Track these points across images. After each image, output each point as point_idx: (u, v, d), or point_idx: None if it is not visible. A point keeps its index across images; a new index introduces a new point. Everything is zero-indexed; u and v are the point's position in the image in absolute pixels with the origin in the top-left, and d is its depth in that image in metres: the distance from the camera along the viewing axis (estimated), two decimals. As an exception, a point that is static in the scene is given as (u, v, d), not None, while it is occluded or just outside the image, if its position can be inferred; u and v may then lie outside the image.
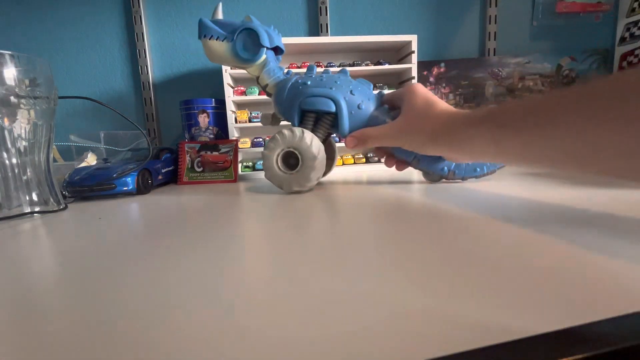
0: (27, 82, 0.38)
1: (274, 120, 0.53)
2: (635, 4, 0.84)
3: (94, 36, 0.81)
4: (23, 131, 0.38)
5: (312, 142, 0.43)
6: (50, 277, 0.21)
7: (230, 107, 0.69)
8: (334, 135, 0.56)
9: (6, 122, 0.37)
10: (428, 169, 0.45)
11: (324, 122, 0.46)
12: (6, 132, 0.37)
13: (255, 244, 0.25)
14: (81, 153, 0.65)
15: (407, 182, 0.51)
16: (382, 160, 0.48)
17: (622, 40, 0.87)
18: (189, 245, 0.25)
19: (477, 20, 0.87)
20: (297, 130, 0.43)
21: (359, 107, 0.44)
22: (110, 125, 0.82)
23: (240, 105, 0.75)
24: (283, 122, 0.58)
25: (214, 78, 0.83)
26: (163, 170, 0.61)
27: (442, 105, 0.37)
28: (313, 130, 0.46)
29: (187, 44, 0.82)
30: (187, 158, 0.65)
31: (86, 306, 0.17)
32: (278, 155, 0.44)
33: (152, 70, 0.82)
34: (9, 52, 0.37)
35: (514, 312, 0.14)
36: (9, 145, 0.38)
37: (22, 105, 0.38)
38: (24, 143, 0.39)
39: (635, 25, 0.84)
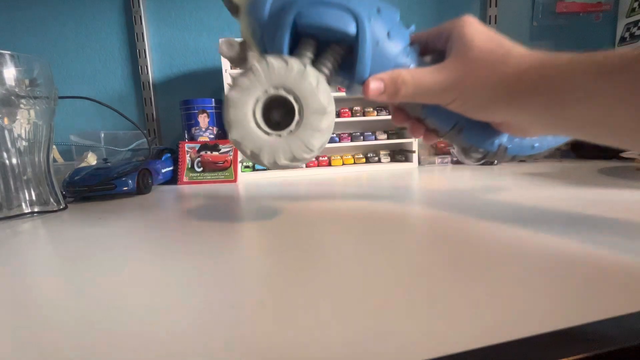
0: (27, 82, 0.38)
1: (241, 51, 0.32)
2: (635, 4, 0.84)
3: (94, 36, 0.80)
4: (23, 131, 0.38)
5: (318, 82, 0.25)
6: (51, 277, 0.21)
7: (230, 107, 0.69)
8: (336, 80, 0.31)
9: (6, 122, 0.37)
10: (471, 143, 0.30)
11: (330, 57, 0.27)
12: (6, 132, 0.37)
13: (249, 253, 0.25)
14: (81, 153, 0.65)
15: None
16: (407, 127, 0.32)
17: (622, 40, 0.87)
18: (188, 246, 0.25)
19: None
20: (294, 61, 0.25)
21: (388, 36, 0.26)
22: (110, 125, 0.82)
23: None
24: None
25: (214, 78, 0.83)
26: (163, 170, 0.61)
27: (518, 47, 0.25)
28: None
29: (187, 44, 0.82)
30: (187, 158, 0.65)
31: (86, 306, 0.17)
32: (257, 103, 0.26)
33: (152, 70, 0.82)
34: (9, 52, 0.37)
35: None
36: (9, 145, 0.38)
37: (22, 105, 0.38)
38: (24, 143, 0.39)
39: (635, 25, 0.84)
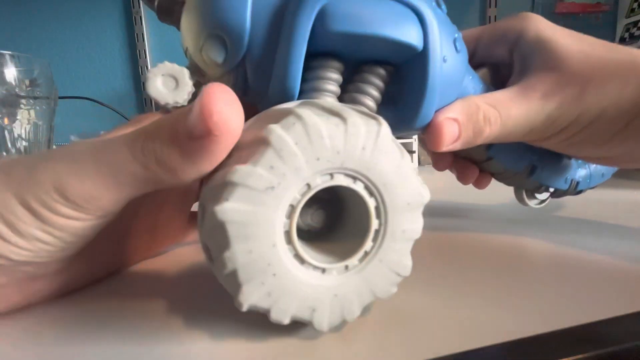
0: (27, 82, 0.38)
1: (195, 83, 0.15)
2: (635, 5, 0.84)
3: (95, 37, 0.80)
4: (23, 131, 0.38)
5: (400, 149, 0.12)
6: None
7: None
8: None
9: (6, 122, 0.37)
10: (543, 183, 0.24)
11: (373, 82, 0.16)
12: (6, 132, 0.37)
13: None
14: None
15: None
16: (455, 172, 0.24)
17: (622, 40, 0.87)
18: (187, 246, 0.25)
19: (477, 20, 0.87)
20: (355, 113, 0.12)
21: (455, 47, 0.17)
22: (110, 125, 0.82)
23: (240, 105, 0.75)
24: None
25: (214, 78, 0.83)
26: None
27: (632, 49, 0.18)
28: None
29: (187, 44, 0.82)
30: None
31: (86, 306, 0.17)
32: (291, 215, 0.12)
33: (152, 71, 0.82)
34: (9, 52, 0.37)
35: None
36: (9, 145, 0.38)
37: (22, 106, 0.38)
38: (24, 143, 0.39)
39: (634, 25, 0.84)
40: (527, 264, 0.19)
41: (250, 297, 0.11)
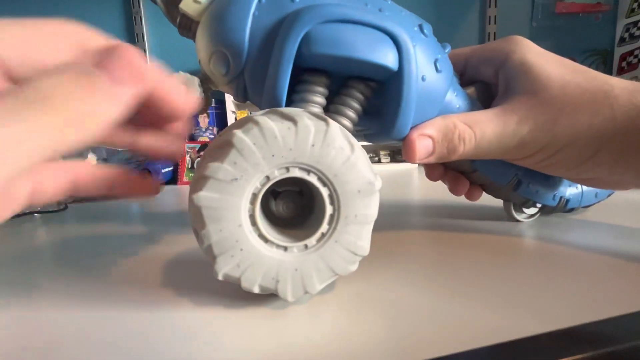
0: (27, 82, 0.38)
1: (205, 89, 0.22)
2: (635, 5, 0.84)
3: (94, 36, 0.81)
4: (23, 131, 0.38)
5: (353, 146, 0.15)
6: (50, 277, 0.21)
7: (230, 107, 0.69)
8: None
9: (6, 122, 0.37)
10: (529, 197, 0.25)
11: (353, 96, 0.18)
12: (6, 132, 0.37)
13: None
14: (81, 153, 0.65)
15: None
16: (446, 184, 0.26)
17: (622, 40, 0.87)
18: (186, 246, 0.25)
19: (477, 20, 0.87)
20: (305, 117, 0.14)
21: (436, 67, 0.19)
22: (110, 125, 0.82)
23: (240, 105, 0.75)
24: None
25: (214, 78, 0.83)
26: (163, 171, 0.61)
27: (614, 79, 0.19)
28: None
29: (187, 44, 0.82)
30: (187, 158, 0.65)
31: (84, 307, 0.17)
32: (254, 201, 0.15)
33: (152, 71, 0.82)
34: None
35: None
36: (9, 146, 0.38)
37: (22, 106, 0.38)
38: (24, 143, 0.39)
39: (634, 25, 0.84)
40: (527, 264, 0.19)
41: (223, 267, 0.14)
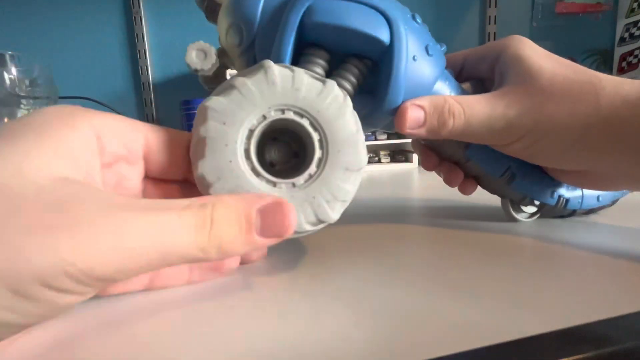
0: (27, 82, 0.38)
1: (219, 63, 0.23)
2: (635, 4, 0.84)
3: (94, 36, 0.81)
4: (23, 131, 0.38)
5: (345, 100, 0.17)
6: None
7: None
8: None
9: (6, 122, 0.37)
10: (526, 193, 0.24)
11: (351, 70, 0.20)
12: (6, 132, 0.37)
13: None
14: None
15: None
16: (441, 174, 0.26)
17: (622, 40, 0.87)
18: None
19: (477, 20, 0.87)
20: (303, 70, 0.16)
21: (427, 51, 0.20)
22: (110, 125, 0.82)
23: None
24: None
25: (214, 78, 0.83)
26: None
27: (602, 74, 0.19)
28: None
29: (187, 44, 0.82)
30: (187, 158, 0.65)
31: (85, 307, 0.17)
32: (250, 136, 0.16)
33: (152, 71, 0.82)
34: (9, 52, 0.37)
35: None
36: (9, 146, 0.38)
37: (22, 106, 0.38)
38: (24, 143, 0.39)
39: (634, 25, 0.84)
40: (526, 264, 0.19)
41: (219, 190, 0.15)
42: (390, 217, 0.30)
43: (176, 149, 0.17)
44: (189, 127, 0.71)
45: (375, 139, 0.71)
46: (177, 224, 0.12)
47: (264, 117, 0.16)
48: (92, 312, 0.16)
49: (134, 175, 0.17)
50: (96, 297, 0.15)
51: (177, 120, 0.82)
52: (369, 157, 0.72)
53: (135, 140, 0.16)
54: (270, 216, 0.14)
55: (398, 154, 0.73)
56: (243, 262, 0.19)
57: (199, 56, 0.22)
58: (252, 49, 0.20)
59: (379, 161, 0.72)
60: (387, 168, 0.70)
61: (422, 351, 0.12)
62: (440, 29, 0.86)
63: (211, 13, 0.22)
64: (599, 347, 0.12)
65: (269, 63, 0.16)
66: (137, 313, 0.16)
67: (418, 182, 0.51)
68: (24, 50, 0.39)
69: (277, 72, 0.16)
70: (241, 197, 0.14)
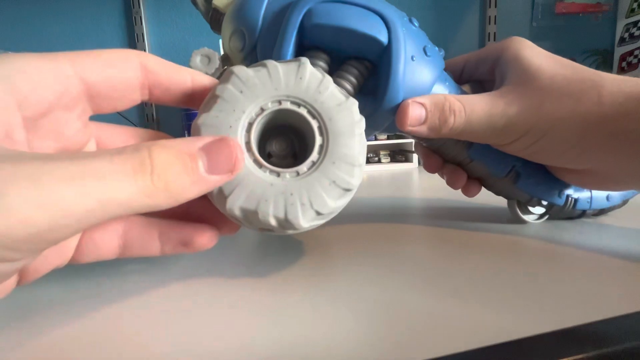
0: (27, 82, 0.38)
1: (224, 68, 0.23)
2: (635, 5, 0.84)
3: (94, 37, 0.80)
4: (23, 131, 0.38)
5: (345, 96, 0.16)
6: (49, 278, 0.21)
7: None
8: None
9: (6, 123, 0.37)
10: (532, 194, 0.24)
11: (351, 71, 0.20)
12: (6, 133, 0.37)
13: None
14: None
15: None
16: (444, 177, 0.26)
17: (622, 40, 0.87)
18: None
19: (477, 21, 0.87)
20: (300, 63, 0.16)
21: (425, 53, 0.20)
22: (110, 125, 0.82)
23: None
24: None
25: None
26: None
27: (604, 73, 0.19)
28: None
29: (187, 44, 0.82)
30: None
31: (84, 308, 0.17)
32: (251, 125, 0.16)
33: (152, 71, 0.82)
34: (10, 52, 0.37)
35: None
36: (9, 146, 0.38)
37: (22, 106, 0.38)
38: (24, 143, 0.39)
39: (634, 25, 0.84)
40: (527, 264, 0.19)
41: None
42: (390, 217, 0.30)
43: (119, 74, 0.15)
44: (189, 127, 0.71)
45: (376, 139, 0.71)
46: (109, 169, 0.11)
47: (263, 108, 0.16)
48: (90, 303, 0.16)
49: (74, 120, 0.14)
50: (72, 266, 0.15)
51: (177, 120, 0.82)
52: (369, 157, 0.72)
53: (62, 78, 0.14)
54: (215, 151, 0.13)
55: (398, 154, 0.73)
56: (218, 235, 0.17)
57: (203, 61, 0.24)
58: (254, 53, 0.20)
59: (379, 161, 0.72)
60: (387, 168, 0.70)
61: (422, 351, 0.12)
62: (440, 29, 0.86)
63: (216, 23, 0.23)
64: (599, 347, 0.12)
65: (268, 61, 0.16)
66: (135, 309, 0.16)
67: (418, 182, 0.51)
68: (24, 50, 0.39)
69: (277, 62, 0.16)
70: (180, 139, 0.13)
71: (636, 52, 0.84)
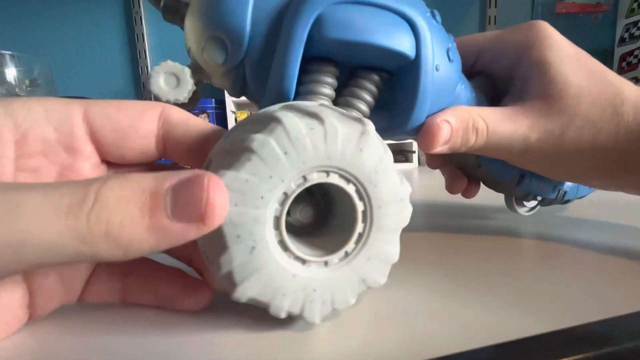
0: (27, 82, 0.38)
1: (196, 82, 0.16)
2: (635, 5, 0.84)
3: (95, 37, 0.81)
4: (23, 131, 0.38)
5: (385, 148, 0.13)
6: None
7: (230, 107, 0.69)
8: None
9: (6, 122, 0.37)
10: (531, 192, 0.25)
11: (366, 87, 0.16)
12: (6, 132, 0.37)
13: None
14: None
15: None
16: (445, 177, 0.26)
17: (622, 40, 0.87)
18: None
19: (477, 21, 0.87)
20: (364, 130, 0.12)
21: (448, 56, 0.17)
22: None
23: (240, 105, 0.75)
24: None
25: (214, 78, 0.83)
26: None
27: (623, 81, 0.19)
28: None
29: (187, 45, 0.82)
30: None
31: (84, 307, 0.17)
32: (287, 197, 0.12)
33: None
34: (9, 52, 0.37)
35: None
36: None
37: (22, 106, 0.38)
38: (24, 143, 0.39)
39: (634, 25, 0.84)
40: (527, 264, 0.19)
41: (248, 290, 0.12)
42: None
43: (129, 121, 0.14)
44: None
45: (375, 139, 0.71)
46: (38, 203, 0.09)
47: (304, 179, 0.12)
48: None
49: (80, 163, 0.14)
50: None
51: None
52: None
53: (68, 119, 0.13)
54: (184, 190, 0.10)
55: (398, 154, 0.73)
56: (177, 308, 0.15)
57: (169, 82, 0.15)
58: (241, 68, 0.15)
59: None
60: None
61: (422, 351, 0.12)
62: (440, 29, 0.86)
63: (171, 14, 0.17)
64: (599, 347, 0.12)
65: (283, 112, 0.12)
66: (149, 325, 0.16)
67: (418, 182, 0.51)
68: (24, 50, 0.39)
69: (301, 122, 0.12)
70: (153, 173, 0.10)
71: (636, 52, 0.84)
